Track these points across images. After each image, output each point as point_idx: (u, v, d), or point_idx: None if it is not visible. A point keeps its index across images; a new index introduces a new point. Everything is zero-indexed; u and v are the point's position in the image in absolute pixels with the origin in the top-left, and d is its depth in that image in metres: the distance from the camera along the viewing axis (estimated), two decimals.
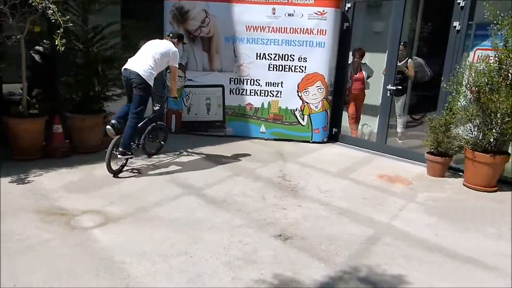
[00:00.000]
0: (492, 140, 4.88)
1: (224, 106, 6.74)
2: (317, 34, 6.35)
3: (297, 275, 2.92)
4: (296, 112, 6.69)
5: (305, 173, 5.23)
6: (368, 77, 6.97)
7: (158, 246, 3.20)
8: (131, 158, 4.85)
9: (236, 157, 5.72)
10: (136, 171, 4.88)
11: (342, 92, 6.86)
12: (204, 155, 5.71)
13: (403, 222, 3.92)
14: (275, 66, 6.53)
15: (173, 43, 5.06)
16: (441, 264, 3.19)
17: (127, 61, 4.77)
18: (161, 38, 5.21)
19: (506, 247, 3.53)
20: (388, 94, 6.20)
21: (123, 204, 3.96)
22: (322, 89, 6.57)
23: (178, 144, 6.04)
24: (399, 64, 6.43)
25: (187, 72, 6.65)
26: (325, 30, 6.34)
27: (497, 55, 4.72)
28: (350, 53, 6.83)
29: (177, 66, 5.10)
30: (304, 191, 4.59)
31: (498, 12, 4.64)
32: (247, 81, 6.63)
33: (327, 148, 6.61)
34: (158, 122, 5.43)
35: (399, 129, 7.18)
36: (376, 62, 7.03)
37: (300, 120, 6.73)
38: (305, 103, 6.65)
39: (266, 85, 6.61)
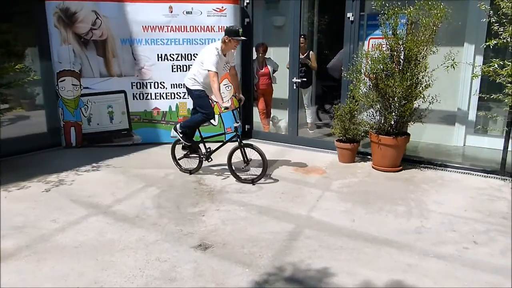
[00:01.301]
0: (392, 123, 5.16)
1: (129, 113, 6.31)
2: (219, 31, 6.21)
3: (220, 285, 2.76)
4: None
5: (221, 174, 5.09)
6: (274, 71, 7.04)
7: (61, 280, 2.81)
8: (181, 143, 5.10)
9: (146, 166, 5.38)
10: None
11: (250, 88, 6.82)
12: (111, 168, 5.28)
13: (321, 213, 3.96)
14: (179, 66, 6.27)
15: (223, 41, 4.72)
16: (360, 250, 3.25)
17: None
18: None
19: (416, 223, 3.72)
20: (295, 87, 6.29)
21: (16, 236, 3.46)
22: (229, 86, 6.46)
23: (81, 160, 5.52)
24: (302, 57, 6.56)
25: (83, 79, 6.09)
26: (226, 27, 6.20)
27: (388, 43, 4.99)
28: (254, 49, 6.82)
29: (212, 69, 4.60)
30: (222, 194, 4.44)
31: (384, 2, 4.90)
32: (150, 84, 6.27)
33: None
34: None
35: (309, 120, 7.36)
36: (281, 56, 7.12)
37: (211, 120, 6.54)
38: (214, 102, 6.46)
39: (171, 87, 6.32)
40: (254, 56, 6.87)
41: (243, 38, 4.78)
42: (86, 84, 6.11)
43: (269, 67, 6.91)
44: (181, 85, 6.29)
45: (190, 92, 4.96)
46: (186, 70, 6.28)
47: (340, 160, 5.62)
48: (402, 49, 4.92)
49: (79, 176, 4.98)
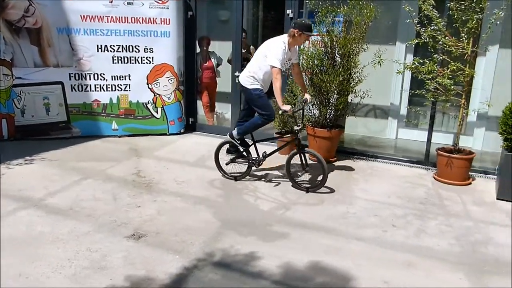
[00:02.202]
0: (328, 116, 5.42)
1: (67, 104, 6.14)
2: (161, 23, 6.20)
3: (151, 272, 2.84)
4: (149, 105, 6.48)
5: (161, 166, 5.12)
6: (218, 65, 7.11)
7: None
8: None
9: (84, 159, 5.29)
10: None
11: (193, 81, 6.86)
12: (46, 162, 5.15)
13: (258, 201, 4.12)
14: (119, 58, 6.18)
15: (290, 35, 4.31)
16: (289, 235, 3.44)
17: None
18: None
19: (343, 209, 3.98)
20: (237, 81, 6.40)
21: None
22: (172, 79, 6.47)
23: (13, 153, 5.34)
24: (243, 51, 6.68)
25: (15, 69, 5.83)
26: (169, 19, 6.22)
27: (322, 40, 5.23)
28: (197, 42, 6.86)
29: (277, 66, 4.21)
30: (160, 185, 4.49)
31: (318, 1, 5.13)
32: (89, 75, 6.13)
33: (185, 139, 6.58)
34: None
35: None
36: (226, 50, 7.19)
37: (154, 113, 6.54)
38: (157, 95, 6.47)
39: (112, 79, 6.23)
40: (198, 50, 6.90)
41: (314, 34, 4.58)
42: (18, 74, 5.86)
43: (213, 60, 6.98)
44: (123, 77, 6.24)
45: (247, 92, 4.52)
46: (127, 62, 6.22)
47: (280, 152, 5.80)
48: (336, 46, 5.17)
49: (10, 169, 4.82)
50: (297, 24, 4.29)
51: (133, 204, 3.98)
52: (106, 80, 6.20)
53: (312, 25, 4.44)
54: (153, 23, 6.19)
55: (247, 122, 4.64)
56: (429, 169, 5.27)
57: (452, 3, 4.44)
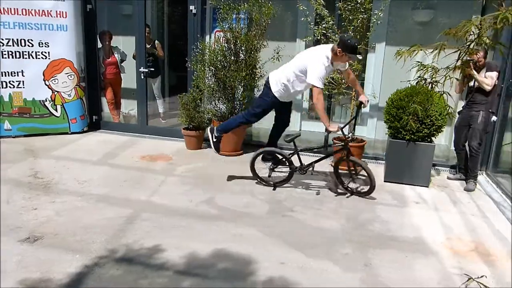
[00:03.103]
0: (233, 111, 5.58)
1: None
2: (57, 16, 5.88)
3: (46, 274, 2.74)
4: (47, 103, 6.11)
5: (61, 166, 4.89)
6: (122, 60, 6.93)
7: None
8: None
9: None
10: None
11: (96, 77, 6.61)
12: None
13: (161, 196, 4.15)
14: (10, 53, 5.73)
15: (333, 52, 3.88)
16: (193, 226, 3.53)
17: None
18: None
19: (246, 199, 4.16)
20: (142, 77, 6.32)
21: None
22: (72, 75, 6.17)
23: None
24: (148, 46, 6.59)
25: None
26: (65, 12, 5.91)
27: (225, 36, 5.37)
28: (98, 37, 6.60)
29: (318, 85, 3.85)
30: (59, 186, 4.30)
31: None
32: None
33: (88, 137, 6.32)
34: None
35: (160, 110, 7.44)
36: (131, 45, 7.00)
37: (53, 111, 6.19)
38: (56, 92, 6.13)
39: (2, 75, 5.76)
40: (100, 45, 6.65)
41: (359, 57, 4.08)
42: None
43: (116, 56, 6.77)
44: (15, 73, 5.80)
45: (267, 90, 4.20)
46: (19, 57, 5.80)
47: (188, 147, 5.87)
48: (238, 42, 5.34)
49: None
50: (341, 43, 3.86)
51: (29, 206, 3.77)
52: None
53: (359, 47, 4.04)
54: (48, 16, 5.85)
55: (230, 119, 4.60)
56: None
57: (340, 3, 4.84)
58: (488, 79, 4.38)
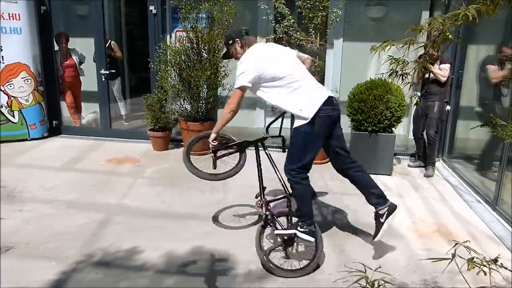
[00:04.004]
0: (199, 110, 5.60)
1: None
2: (10, 19, 5.65)
3: (22, 283, 2.68)
4: (3, 109, 5.87)
5: (24, 174, 4.73)
6: (81, 62, 6.74)
7: None
8: None
9: None
10: None
11: (54, 81, 6.40)
12: None
13: (132, 199, 4.12)
14: None
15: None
16: (167, 226, 3.54)
17: None
18: None
19: (219, 196, 4.21)
20: (103, 79, 6.20)
21: None
22: (29, 80, 5.95)
23: None
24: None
25: None
26: (18, 14, 5.69)
27: (188, 36, 5.37)
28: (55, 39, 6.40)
29: (239, 87, 2.97)
30: (24, 194, 4.17)
31: None
32: None
33: (49, 142, 6.13)
34: None
35: (122, 112, 7.31)
36: (89, 47, 6.83)
37: (10, 117, 5.95)
38: (12, 97, 5.89)
39: None
40: (57, 47, 6.44)
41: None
42: None
43: (74, 58, 6.59)
44: None
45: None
46: None
47: (154, 148, 5.83)
48: (201, 41, 5.36)
49: None
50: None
51: None
52: None
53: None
54: (0, 19, 5.61)
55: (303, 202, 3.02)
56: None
57: (300, 2, 4.97)
58: (442, 71, 4.67)
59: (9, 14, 5.64)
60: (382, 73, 1.62)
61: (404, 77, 1.51)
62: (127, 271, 2.86)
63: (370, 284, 1.40)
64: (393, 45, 1.41)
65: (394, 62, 1.47)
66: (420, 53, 4.46)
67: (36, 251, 3.09)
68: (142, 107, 6.64)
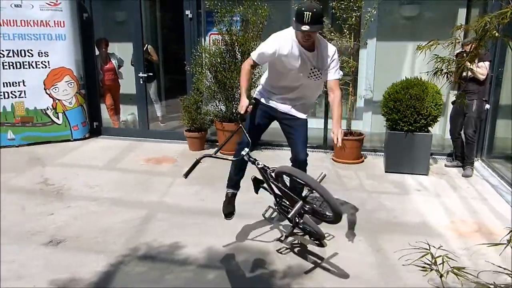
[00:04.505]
0: (234, 111, 5.72)
1: None
2: (55, 26, 5.95)
3: (76, 273, 2.85)
4: (48, 111, 6.18)
5: (70, 173, 4.97)
6: (119, 66, 7.01)
7: None
8: None
9: None
10: None
11: (95, 84, 6.68)
12: None
13: (172, 197, 4.26)
14: (11, 63, 5.79)
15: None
16: (207, 223, 3.66)
17: None
18: None
19: (254, 195, 4.29)
20: (141, 82, 6.42)
21: None
22: (72, 83, 6.25)
23: None
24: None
25: None
26: (63, 21, 5.99)
27: (223, 39, 5.50)
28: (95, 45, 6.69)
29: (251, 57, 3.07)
30: (71, 192, 4.39)
31: (216, 2, 5.39)
32: None
33: (91, 143, 6.40)
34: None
35: (158, 114, 7.53)
36: (127, 51, 7.09)
37: (55, 119, 6.25)
38: (57, 100, 6.20)
39: (4, 86, 5.81)
40: (97, 52, 6.73)
41: (304, 28, 2.74)
42: None
43: (113, 62, 6.86)
44: (16, 83, 5.87)
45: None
46: (20, 67, 5.87)
47: (191, 148, 5.99)
48: (236, 44, 5.47)
49: None
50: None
51: (45, 212, 3.86)
52: None
53: (305, 13, 2.69)
54: (46, 26, 5.92)
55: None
56: (328, 152, 5.86)
57: (334, 3, 5.01)
58: (481, 68, 4.59)
59: (54, 21, 5.94)
60: (427, 72, 1.64)
61: (449, 75, 1.54)
62: (171, 265, 2.98)
63: (434, 260, 1.43)
64: (438, 44, 1.45)
65: (439, 61, 1.50)
66: (458, 51, 4.44)
67: (85, 245, 3.27)
68: (177, 109, 6.85)
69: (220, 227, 3.59)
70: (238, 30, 5.52)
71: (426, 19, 6.36)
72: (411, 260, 1.57)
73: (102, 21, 7.25)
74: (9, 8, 5.64)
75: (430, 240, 3.31)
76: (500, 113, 5.31)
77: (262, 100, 3.30)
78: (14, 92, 5.89)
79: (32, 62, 5.92)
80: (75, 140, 6.40)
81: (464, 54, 4.52)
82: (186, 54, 6.06)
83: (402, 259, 2.12)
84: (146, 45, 7.02)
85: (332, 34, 5.12)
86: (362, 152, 5.58)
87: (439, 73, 1.59)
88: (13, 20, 5.69)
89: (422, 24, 6.38)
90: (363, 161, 5.49)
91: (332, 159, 5.51)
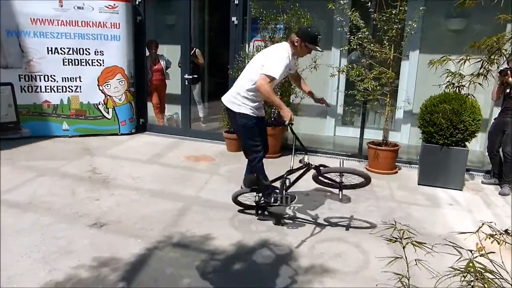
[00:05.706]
0: (272, 115, 5.92)
1: (16, 105, 6.18)
2: (111, 27, 6.40)
3: (116, 254, 3.14)
4: (100, 106, 6.64)
5: (115, 164, 5.35)
6: (167, 67, 7.39)
7: None
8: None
9: (36, 158, 5.40)
10: None
11: (143, 83, 7.10)
12: None
13: (208, 192, 4.51)
14: (70, 60, 6.31)
15: (291, 42, 3.49)
16: (238, 219, 3.86)
17: None
18: None
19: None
20: (187, 83, 6.76)
21: None
22: (123, 81, 6.68)
23: None
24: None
25: None
26: (119, 23, 6.44)
27: (266, 46, 5.71)
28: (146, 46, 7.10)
29: (268, 76, 3.32)
30: (116, 181, 4.74)
31: (262, 10, 5.62)
32: (40, 77, 6.22)
33: (136, 138, 6.81)
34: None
35: (201, 114, 7.85)
36: (173, 53, 7.49)
37: (105, 114, 6.71)
38: (108, 96, 6.66)
39: (62, 81, 6.33)
40: (147, 53, 7.14)
41: (320, 50, 3.60)
42: None
43: (161, 63, 7.25)
44: (73, 78, 6.36)
45: (240, 118, 3.60)
46: (78, 64, 6.36)
47: (228, 149, 6.24)
48: None
49: None
50: (301, 31, 3.50)
51: (92, 197, 4.22)
52: (57, 81, 6.30)
53: (319, 37, 3.49)
54: (103, 27, 6.38)
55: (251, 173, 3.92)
56: (362, 161, 5.92)
57: (375, 14, 5.10)
58: None
59: (111, 23, 6.40)
60: (440, 85, 1.76)
61: (460, 89, 1.65)
62: (201, 254, 3.21)
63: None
64: (449, 59, 1.56)
65: (450, 75, 1.62)
66: (501, 68, 4.41)
67: (126, 229, 3.57)
68: (218, 110, 7.10)
69: (250, 223, 3.78)
70: (280, 37, 5.71)
71: (474, 32, 6.27)
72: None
73: (153, 24, 7.69)
74: (72, 9, 6.15)
75: (456, 253, 3.35)
76: None
77: (253, 114, 3.64)
78: (71, 86, 6.40)
79: (89, 60, 6.40)
80: (122, 134, 6.83)
81: (509, 72, 4.50)
82: (230, 58, 6.33)
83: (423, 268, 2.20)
84: (194, 48, 7.39)
85: (372, 45, 5.20)
86: (396, 163, 5.60)
87: (450, 86, 1.70)
88: (75, 21, 6.20)
89: (469, 38, 6.28)
90: (397, 172, 5.51)
91: (366, 168, 5.57)
